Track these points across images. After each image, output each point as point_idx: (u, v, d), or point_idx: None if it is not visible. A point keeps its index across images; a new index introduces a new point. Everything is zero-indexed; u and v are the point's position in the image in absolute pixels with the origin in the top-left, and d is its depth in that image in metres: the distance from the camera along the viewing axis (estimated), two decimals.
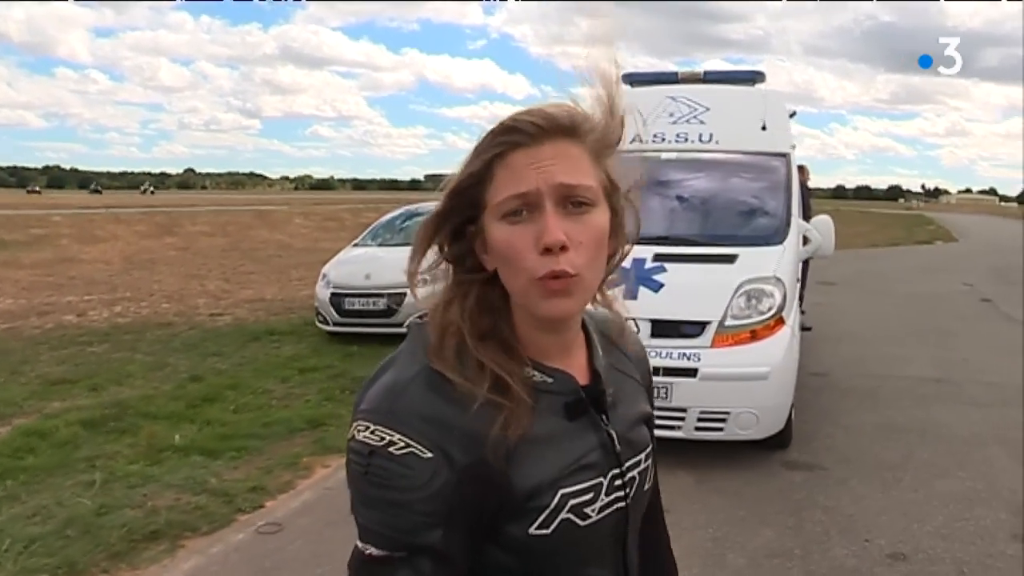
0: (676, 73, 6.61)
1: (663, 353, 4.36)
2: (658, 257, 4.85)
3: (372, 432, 0.83)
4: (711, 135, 5.74)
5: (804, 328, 8.93)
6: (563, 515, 0.87)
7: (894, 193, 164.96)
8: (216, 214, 33.21)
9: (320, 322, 8.86)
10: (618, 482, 0.93)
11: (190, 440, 5.45)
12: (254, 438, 5.51)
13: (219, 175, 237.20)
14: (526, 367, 0.88)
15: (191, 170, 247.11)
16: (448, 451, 0.82)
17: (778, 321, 4.51)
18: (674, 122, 5.91)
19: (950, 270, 16.19)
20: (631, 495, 0.95)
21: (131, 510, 4.28)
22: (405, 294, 8.34)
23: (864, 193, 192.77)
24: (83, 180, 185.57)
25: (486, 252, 0.87)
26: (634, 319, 4.11)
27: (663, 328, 4.44)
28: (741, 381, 4.36)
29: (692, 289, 4.44)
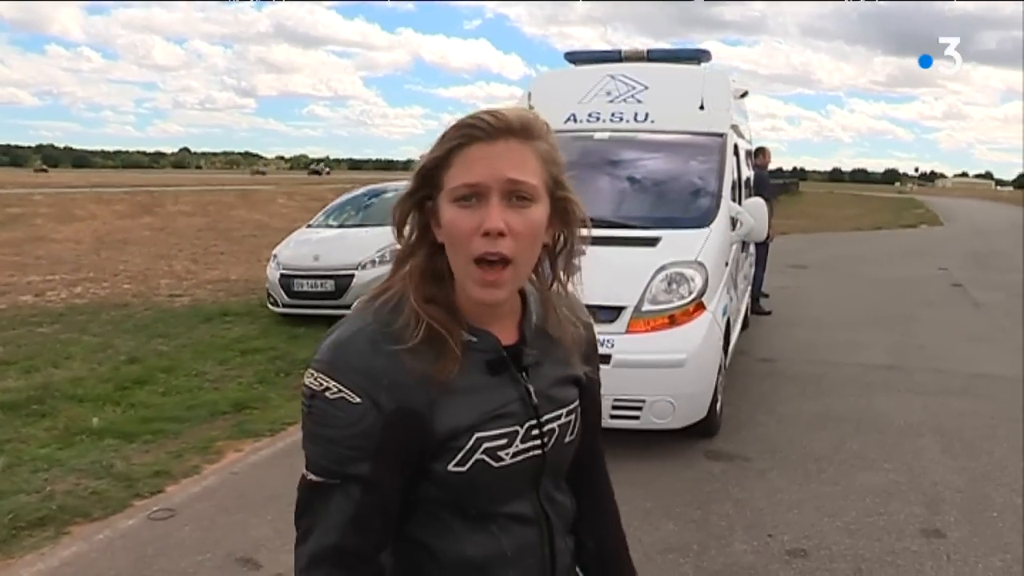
0: (620, 51, 6.43)
1: None
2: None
3: (315, 379, 0.99)
4: (647, 114, 5.56)
5: (763, 312, 8.85)
6: (477, 455, 1.01)
7: (891, 176, 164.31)
8: (200, 193, 32.95)
9: (271, 303, 8.74)
10: (535, 432, 1.06)
11: (108, 423, 5.33)
12: (174, 421, 5.40)
13: (215, 154, 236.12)
14: (462, 328, 1.01)
15: (186, 149, 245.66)
16: (376, 398, 0.96)
17: (698, 306, 4.34)
18: (611, 101, 5.74)
19: (928, 254, 16.02)
20: (549, 444, 1.07)
21: (27, 495, 4.16)
22: (353, 275, 8.22)
23: (860, 176, 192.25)
24: (77, 159, 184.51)
25: (438, 226, 1.00)
26: None
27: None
28: (656, 368, 4.20)
29: (609, 273, 4.26)
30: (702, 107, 5.54)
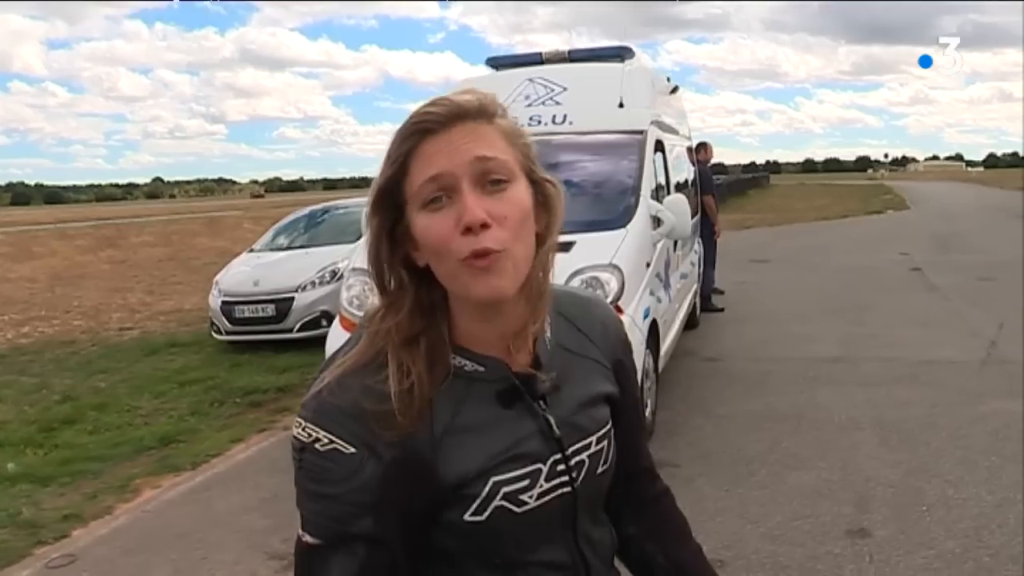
0: (540, 54, 6.31)
1: None
2: None
3: (303, 429, 0.88)
4: (565, 116, 5.43)
5: (716, 310, 8.74)
6: (496, 502, 0.88)
7: (863, 164, 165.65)
8: (166, 223, 32.65)
9: (214, 332, 8.55)
10: (561, 467, 0.93)
11: (25, 467, 5.17)
12: (96, 460, 5.22)
13: (188, 183, 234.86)
14: (453, 359, 0.89)
15: (159, 179, 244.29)
16: (373, 446, 0.85)
17: (615, 310, 4.18)
18: (529, 105, 5.61)
19: (891, 240, 16.00)
20: (579, 479, 0.94)
21: None
22: (293, 298, 8.04)
23: (833, 165, 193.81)
24: (49, 195, 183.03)
25: (416, 249, 0.87)
26: None
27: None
28: None
29: None
30: (621, 105, 5.42)
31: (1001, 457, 4.29)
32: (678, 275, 6.10)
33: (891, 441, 4.64)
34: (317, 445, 0.86)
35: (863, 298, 9.43)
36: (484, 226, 0.81)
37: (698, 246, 8.00)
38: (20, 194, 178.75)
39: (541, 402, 0.92)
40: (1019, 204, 23.64)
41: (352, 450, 0.85)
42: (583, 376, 0.98)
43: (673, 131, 6.86)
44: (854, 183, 61.14)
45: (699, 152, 8.99)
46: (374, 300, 0.92)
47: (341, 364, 0.90)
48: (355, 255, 5.34)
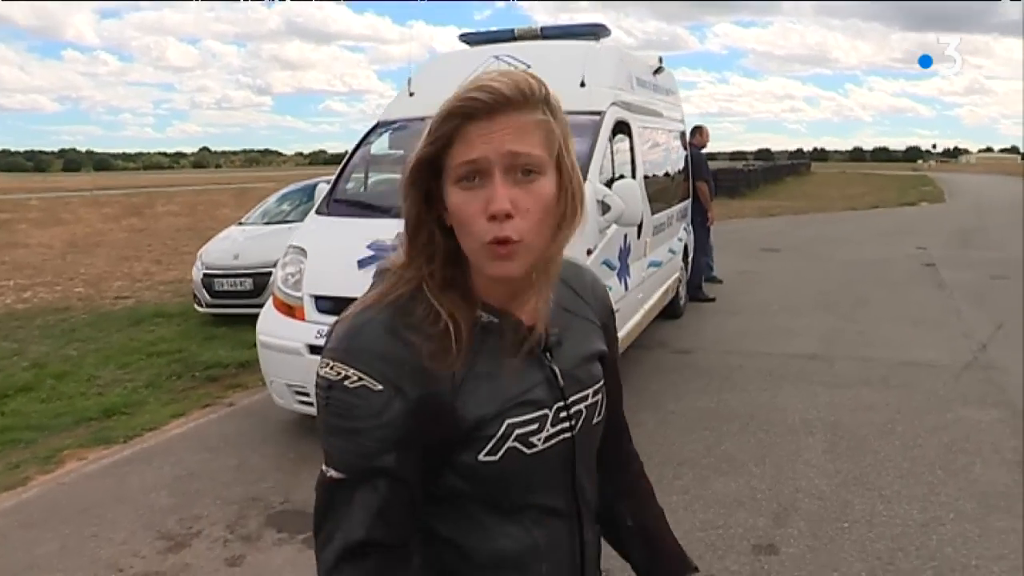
0: (513, 30, 6.08)
1: None
2: None
3: (331, 368, 0.92)
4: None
5: (706, 299, 8.45)
6: (509, 443, 0.95)
7: (913, 155, 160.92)
8: (197, 193, 32.97)
9: (196, 304, 8.51)
10: (563, 414, 1.00)
11: None
12: (34, 430, 5.21)
13: (234, 153, 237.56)
14: (478, 311, 0.96)
15: (206, 149, 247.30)
16: (399, 384, 0.90)
17: None
18: None
19: (913, 233, 15.40)
20: (577, 426, 1.02)
21: None
22: (271, 274, 7.93)
23: (882, 155, 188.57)
24: (99, 162, 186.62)
25: (447, 211, 0.93)
26: None
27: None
28: None
29: None
30: (583, 84, 5.16)
31: (947, 471, 4.01)
32: (644, 263, 5.84)
33: (838, 448, 4.38)
34: (346, 382, 0.91)
35: (863, 292, 9.05)
36: (508, 216, 0.88)
37: (684, 233, 7.70)
38: (71, 160, 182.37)
39: (547, 354, 1.00)
40: None
41: (380, 387, 0.90)
42: (581, 334, 1.07)
43: (653, 113, 6.56)
44: (897, 173, 59.40)
45: (694, 136, 8.67)
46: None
47: (366, 306, 0.96)
48: (296, 233, 5.21)
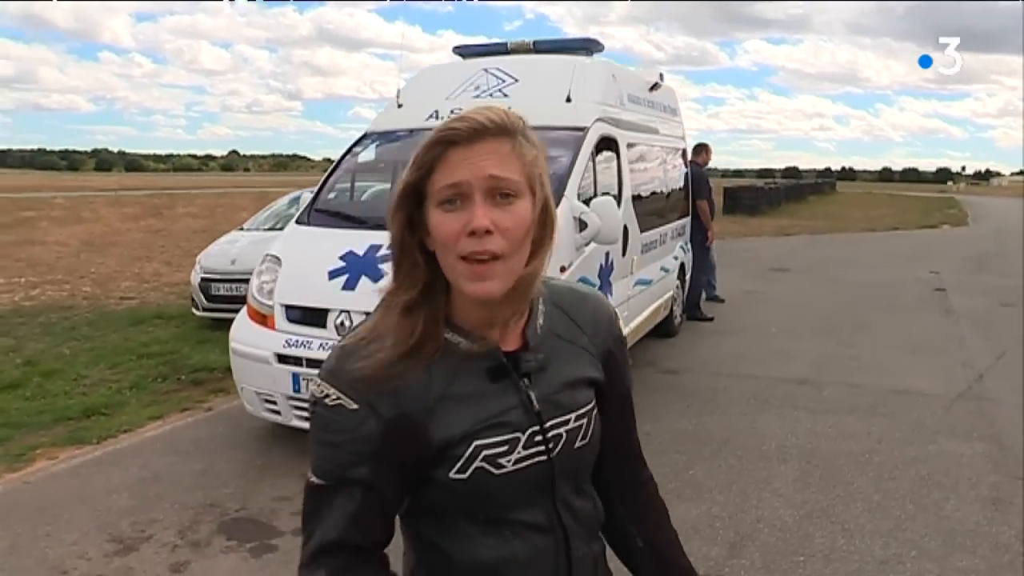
0: (506, 44, 6.06)
1: None
2: None
3: (319, 386, 1.01)
4: (508, 109, 5.14)
5: (704, 319, 8.34)
6: (477, 463, 1.00)
7: (943, 176, 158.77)
8: (218, 196, 33.29)
9: (194, 308, 8.56)
10: (538, 438, 1.04)
11: None
12: (12, 427, 5.26)
13: (263, 157, 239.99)
14: (451, 336, 1.01)
15: (235, 152, 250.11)
16: (375, 405, 0.98)
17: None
18: (477, 96, 5.38)
19: (929, 256, 15.14)
20: (556, 450, 1.05)
21: None
22: None
23: (911, 176, 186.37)
24: (130, 163, 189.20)
25: (429, 235, 0.99)
26: (348, 312, 3.58)
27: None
28: None
29: None
30: (569, 99, 5.12)
31: (918, 506, 3.90)
32: (630, 281, 5.77)
33: (811, 477, 4.27)
34: (327, 400, 1.00)
35: (866, 317, 8.90)
36: (487, 232, 0.94)
37: (680, 252, 7.61)
38: (103, 160, 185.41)
39: (526, 379, 1.04)
40: None
41: (355, 407, 0.99)
42: (570, 360, 1.10)
43: (647, 130, 6.50)
44: (923, 195, 58.55)
45: (699, 154, 8.60)
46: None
47: (356, 333, 1.04)
48: (274, 243, 5.21)
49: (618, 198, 5.47)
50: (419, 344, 0.99)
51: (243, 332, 4.72)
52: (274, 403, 4.49)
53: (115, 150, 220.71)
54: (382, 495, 1.01)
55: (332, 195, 5.39)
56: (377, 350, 0.99)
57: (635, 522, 1.23)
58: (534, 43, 6.01)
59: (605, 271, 5.11)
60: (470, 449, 1.00)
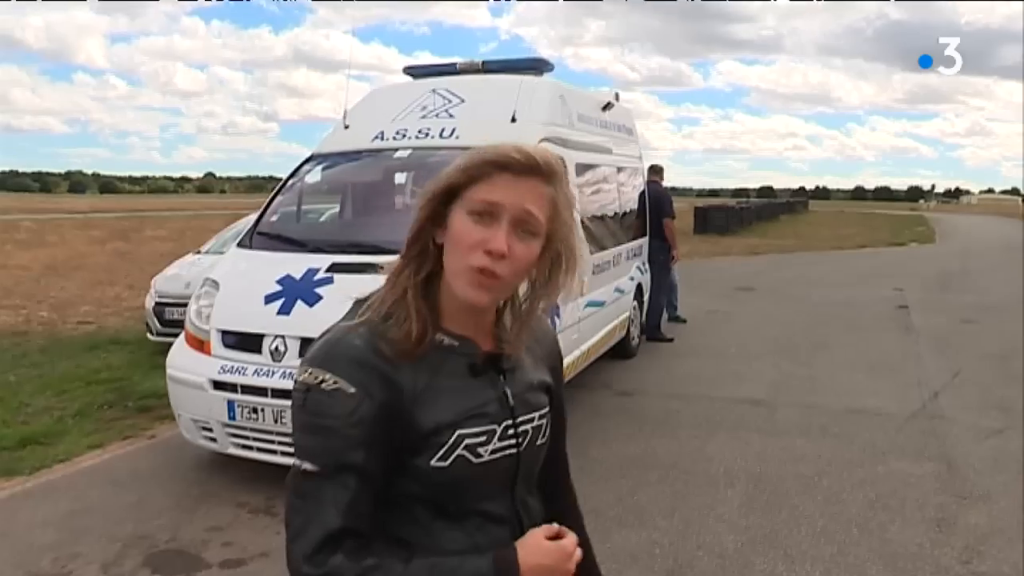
0: (455, 64, 6.04)
1: None
2: (333, 267, 4.26)
3: (310, 373, 1.05)
4: (454, 130, 5.12)
5: (664, 339, 8.30)
6: (458, 451, 1.07)
7: (914, 194, 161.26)
8: (189, 219, 32.98)
9: (148, 333, 8.39)
10: (511, 431, 1.13)
11: None
12: None
13: (239, 179, 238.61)
14: (440, 334, 1.09)
15: (211, 174, 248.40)
16: (369, 388, 1.03)
17: None
18: (423, 117, 5.33)
19: (895, 274, 15.26)
20: (524, 444, 1.14)
21: None
22: None
23: (884, 194, 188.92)
24: (104, 185, 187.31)
25: (442, 229, 1.07)
26: (283, 337, 3.46)
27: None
28: None
29: (349, 303, 3.80)
30: (514, 119, 5.09)
31: (863, 530, 3.85)
32: (580, 303, 5.72)
33: (756, 501, 4.21)
34: (323, 385, 1.02)
35: (827, 336, 8.92)
36: (502, 256, 1.01)
37: (637, 273, 7.58)
38: (77, 183, 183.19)
39: (502, 376, 1.13)
40: None
41: (353, 390, 1.02)
42: (532, 365, 1.20)
43: (599, 150, 6.49)
44: (894, 213, 59.36)
45: (654, 173, 8.60)
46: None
47: (347, 323, 1.09)
48: (216, 267, 5.11)
49: None
50: (421, 333, 1.05)
51: (179, 358, 4.61)
52: (210, 430, 4.37)
53: (89, 172, 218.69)
54: (374, 481, 1.03)
55: (275, 217, 5.30)
56: (377, 336, 1.05)
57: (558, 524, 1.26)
58: (483, 63, 6.00)
59: None
60: (453, 437, 1.06)
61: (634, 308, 7.44)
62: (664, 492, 4.33)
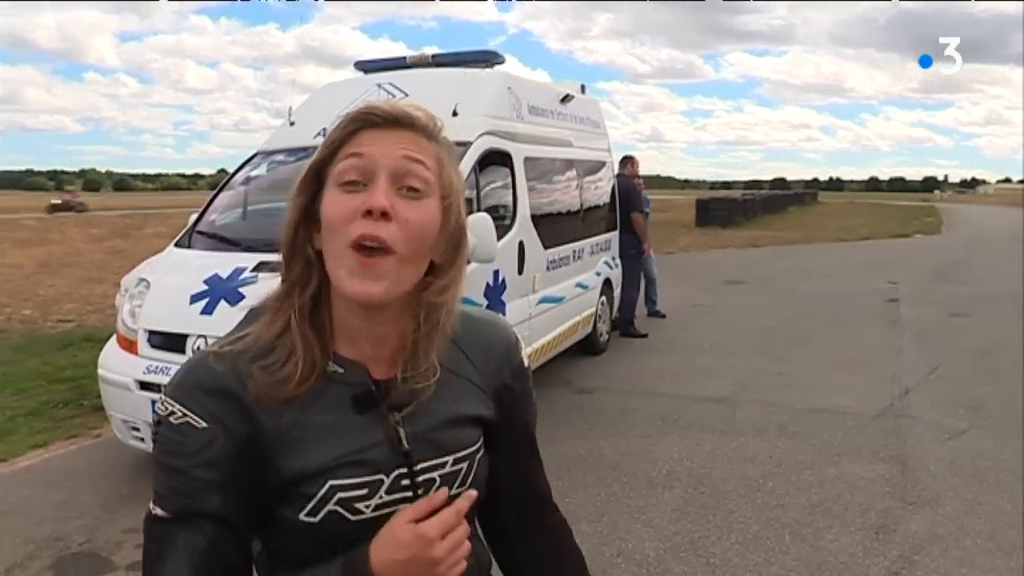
0: (405, 58, 5.91)
1: None
2: (260, 265, 4.15)
3: (162, 403, 0.89)
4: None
5: (638, 335, 8.16)
6: (330, 506, 0.87)
7: (930, 184, 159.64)
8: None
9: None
10: (405, 482, 0.90)
11: None
12: None
13: None
14: (330, 358, 0.89)
15: (223, 170, 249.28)
16: (225, 422, 0.86)
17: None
18: None
19: (893, 266, 14.97)
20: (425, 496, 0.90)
21: None
22: None
23: (899, 185, 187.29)
24: (118, 182, 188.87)
25: (319, 231, 0.87)
26: (205, 337, 3.37)
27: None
28: None
29: None
30: (455, 113, 4.96)
31: (796, 537, 3.69)
32: (532, 299, 5.59)
33: (693, 505, 4.07)
34: (171, 419, 0.87)
35: (809, 330, 8.73)
36: (384, 215, 0.82)
37: (604, 267, 7.43)
38: (91, 180, 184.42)
39: (396, 413, 0.90)
40: None
41: (203, 425, 0.86)
42: (454, 395, 0.95)
43: (555, 143, 6.33)
44: (905, 204, 58.70)
45: (624, 166, 8.43)
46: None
47: (219, 343, 0.91)
48: (149, 266, 5.03)
49: (513, 214, 5.30)
50: (308, 373, 0.87)
51: (110, 359, 4.53)
52: (139, 430, 4.29)
53: (103, 170, 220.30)
54: (235, 530, 0.87)
55: (214, 216, 5.20)
56: (245, 362, 0.87)
57: (544, 571, 1.09)
58: (433, 56, 5.87)
59: (494, 290, 4.92)
60: (324, 489, 0.87)
61: (602, 304, 7.29)
62: (598, 495, 4.19)
